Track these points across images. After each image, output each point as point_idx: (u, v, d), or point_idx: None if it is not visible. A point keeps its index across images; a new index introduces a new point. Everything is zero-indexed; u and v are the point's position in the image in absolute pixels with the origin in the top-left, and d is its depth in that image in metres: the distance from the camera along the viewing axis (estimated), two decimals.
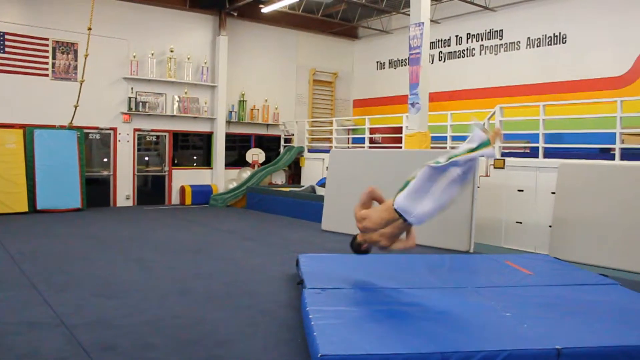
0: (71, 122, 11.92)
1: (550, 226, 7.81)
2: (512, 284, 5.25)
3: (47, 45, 12.19)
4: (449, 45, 14.23)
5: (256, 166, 14.79)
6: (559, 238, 7.54)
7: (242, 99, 15.03)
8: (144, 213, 12.08)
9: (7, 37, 11.70)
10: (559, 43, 11.82)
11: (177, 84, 13.89)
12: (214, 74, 14.44)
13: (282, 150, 15.55)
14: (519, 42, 12.59)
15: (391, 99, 15.40)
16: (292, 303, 5.05)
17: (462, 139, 10.39)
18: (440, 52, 14.41)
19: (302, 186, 13.49)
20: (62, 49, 12.37)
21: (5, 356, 3.69)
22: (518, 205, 8.56)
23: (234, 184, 14.28)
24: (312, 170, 14.35)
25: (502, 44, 12.98)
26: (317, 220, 10.44)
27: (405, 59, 13.84)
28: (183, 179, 14.20)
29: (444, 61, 14.33)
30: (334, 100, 17.00)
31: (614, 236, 6.97)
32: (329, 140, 14.65)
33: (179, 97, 13.95)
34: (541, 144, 8.53)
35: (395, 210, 4.44)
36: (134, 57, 13.13)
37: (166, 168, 14.03)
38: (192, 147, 14.85)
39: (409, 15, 10.19)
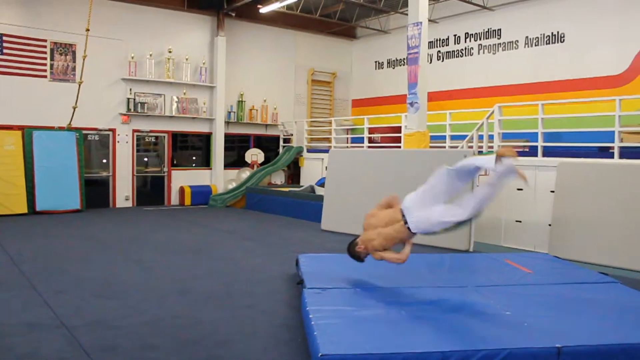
0: (70, 124, 11.91)
1: (549, 225, 7.82)
2: (512, 282, 5.25)
3: (45, 46, 12.18)
4: (447, 45, 14.24)
5: (255, 166, 14.78)
6: (558, 237, 7.54)
7: (240, 100, 15.02)
8: (144, 214, 12.07)
9: (5, 38, 11.69)
10: (557, 42, 11.83)
11: (176, 84, 13.88)
12: (212, 75, 14.44)
13: (281, 150, 15.54)
14: (517, 41, 12.60)
15: (390, 98, 15.41)
16: (292, 303, 5.05)
17: (462, 138, 10.47)
18: (439, 51, 14.42)
19: (302, 186, 13.49)
20: (61, 50, 12.36)
21: (6, 357, 3.69)
22: (517, 204, 8.56)
23: (233, 185, 14.28)
24: (311, 170, 14.35)
25: (500, 43, 12.99)
26: (316, 220, 10.43)
27: (404, 59, 13.86)
28: (182, 179, 14.20)
29: (443, 61, 14.33)
30: (333, 100, 17.00)
31: (614, 234, 6.97)
32: (328, 140, 14.65)
33: (177, 97, 13.94)
34: (540, 143, 8.53)
35: (400, 210, 4.52)
36: (132, 58, 13.12)
37: (165, 169, 14.03)
38: (191, 148, 14.85)
39: (407, 15, 10.20)
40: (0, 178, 10.93)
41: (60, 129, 11.93)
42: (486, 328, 3.85)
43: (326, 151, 12.59)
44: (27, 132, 11.46)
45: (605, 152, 8.71)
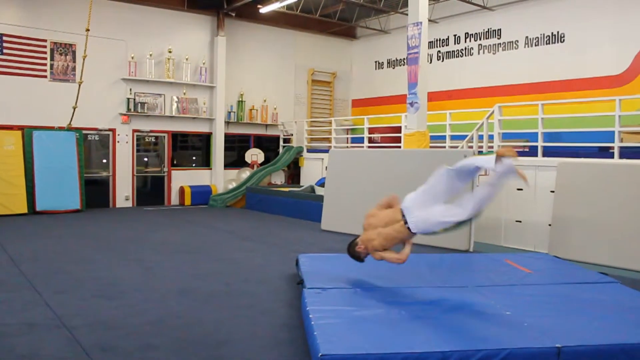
0: (70, 124, 11.91)
1: (549, 225, 7.82)
2: (512, 282, 5.25)
3: (45, 46, 12.18)
4: (447, 45, 14.24)
5: (255, 166, 14.78)
6: (558, 237, 7.54)
7: (240, 100, 15.02)
8: (144, 214, 12.07)
9: (5, 38, 11.69)
10: (557, 42, 11.83)
11: (176, 84, 13.89)
12: (212, 75, 14.44)
13: (281, 150, 15.54)
14: (517, 41, 12.60)
15: (390, 98, 15.41)
16: (292, 303, 5.05)
17: (462, 138, 10.48)
18: (439, 51, 14.42)
19: (302, 186, 13.49)
20: (61, 50, 12.36)
21: (6, 357, 3.69)
22: (517, 204, 8.56)
23: (233, 185, 14.28)
24: (311, 170, 14.35)
25: (500, 43, 12.99)
26: (316, 220, 10.44)
27: (404, 59, 13.86)
28: (182, 179, 14.20)
29: (443, 60, 14.34)
30: (333, 100, 17.00)
31: (614, 234, 6.97)
32: (328, 140, 14.65)
33: (177, 97, 13.95)
34: (540, 143, 8.53)
35: (400, 210, 4.53)
36: (132, 58, 13.12)
37: (165, 169, 14.03)
38: (191, 148, 14.85)
39: (407, 15, 10.20)
40: (0, 178, 10.94)
41: (60, 129, 11.93)
42: (486, 328, 3.85)
43: (326, 151, 12.60)
44: (27, 132, 11.46)
45: (605, 152, 8.71)
